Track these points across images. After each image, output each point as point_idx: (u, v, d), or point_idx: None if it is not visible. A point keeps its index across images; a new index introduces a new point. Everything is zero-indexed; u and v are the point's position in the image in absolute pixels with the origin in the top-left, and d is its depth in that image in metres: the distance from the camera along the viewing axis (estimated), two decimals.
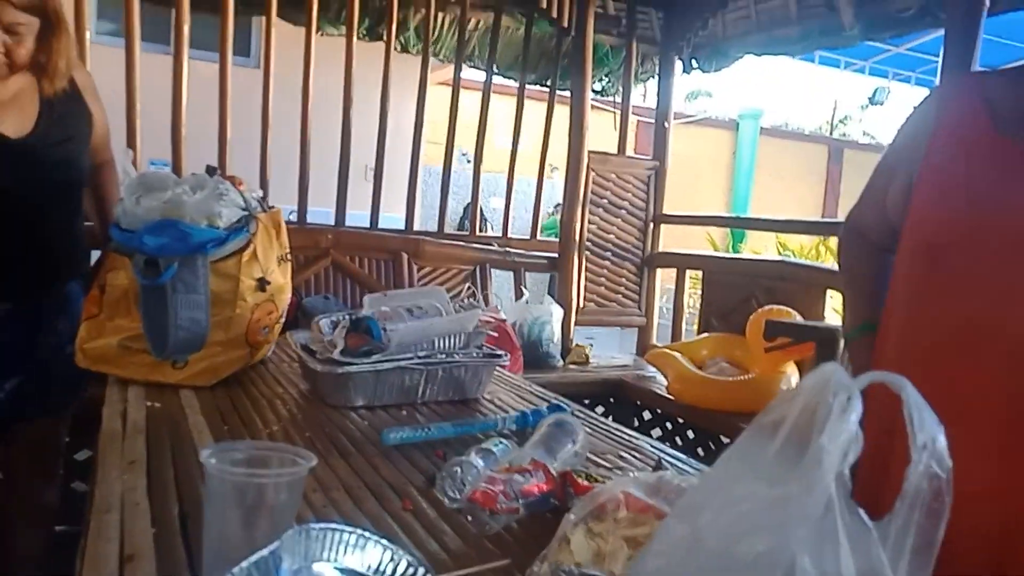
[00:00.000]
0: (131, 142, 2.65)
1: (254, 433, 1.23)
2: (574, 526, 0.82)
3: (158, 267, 1.36)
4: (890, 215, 1.08)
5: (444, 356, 1.47)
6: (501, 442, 1.09)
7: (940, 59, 2.21)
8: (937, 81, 2.27)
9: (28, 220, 1.56)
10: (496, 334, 1.70)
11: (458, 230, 6.03)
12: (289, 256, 1.65)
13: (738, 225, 7.48)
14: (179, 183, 1.41)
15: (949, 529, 0.50)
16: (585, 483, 0.96)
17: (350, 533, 0.72)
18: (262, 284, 1.52)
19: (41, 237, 1.60)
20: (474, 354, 1.51)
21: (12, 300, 1.60)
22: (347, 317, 1.51)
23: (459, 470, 0.98)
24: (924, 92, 1.07)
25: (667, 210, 3.60)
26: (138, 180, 1.39)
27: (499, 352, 1.56)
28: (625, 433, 1.39)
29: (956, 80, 1.08)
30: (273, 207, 1.64)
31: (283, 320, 1.67)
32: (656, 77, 3.72)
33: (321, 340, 1.49)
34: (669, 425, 2.97)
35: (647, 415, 3.06)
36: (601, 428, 1.41)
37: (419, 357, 1.43)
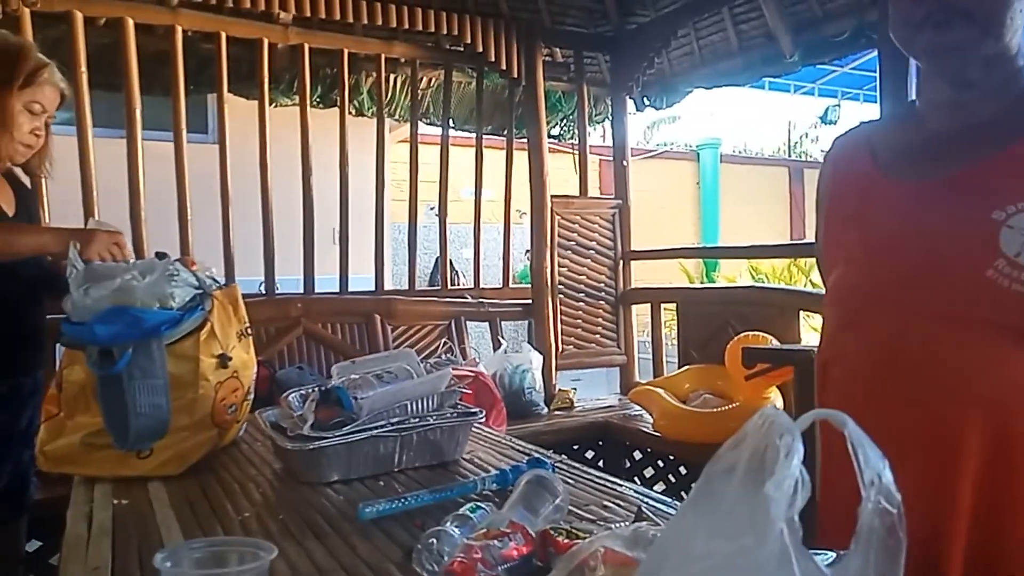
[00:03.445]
0: None
1: (225, 522, 1.17)
2: None
3: (112, 356, 1.32)
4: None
5: (418, 420, 1.43)
6: (479, 506, 1.05)
7: (878, 77, 2.28)
8: (878, 99, 2.34)
9: (21, 298, 1.62)
10: (469, 391, 1.67)
11: (430, 285, 6.00)
12: (250, 331, 1.62)
13: (705, 255, 7.59)
14: (127, 270, 1.38)
15: None
16: (565, 540, 0.92)
17: None
18: (223, 361, 1.48)
19: (31, 316, 1.67)
20: (448, 415, 1.47)
21: (8, 381, 1.61)
22: (316, 389, 1.47)
23: (435, 541, 0.93)
24: (873, 107, 1.15)
25: (639, 245, 3.63)
26: (85, 272, 1.35)
27: (474, 410, 1.52)
28: (608, 481, 1.35)
29: (849, 132, 1.17)
30: (228, 284, 1.61)
31: (251, 397, 1.62)
32: (610, 118, 3.79)
33: (291, 416, 1.45)
34: (660, 463, 2.93)
35: (637, 455, 3.01)
36: (584, 478, 1.37)
37: (392, 424, 1.39)
